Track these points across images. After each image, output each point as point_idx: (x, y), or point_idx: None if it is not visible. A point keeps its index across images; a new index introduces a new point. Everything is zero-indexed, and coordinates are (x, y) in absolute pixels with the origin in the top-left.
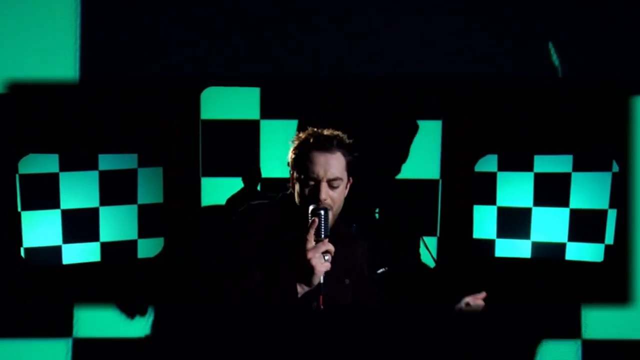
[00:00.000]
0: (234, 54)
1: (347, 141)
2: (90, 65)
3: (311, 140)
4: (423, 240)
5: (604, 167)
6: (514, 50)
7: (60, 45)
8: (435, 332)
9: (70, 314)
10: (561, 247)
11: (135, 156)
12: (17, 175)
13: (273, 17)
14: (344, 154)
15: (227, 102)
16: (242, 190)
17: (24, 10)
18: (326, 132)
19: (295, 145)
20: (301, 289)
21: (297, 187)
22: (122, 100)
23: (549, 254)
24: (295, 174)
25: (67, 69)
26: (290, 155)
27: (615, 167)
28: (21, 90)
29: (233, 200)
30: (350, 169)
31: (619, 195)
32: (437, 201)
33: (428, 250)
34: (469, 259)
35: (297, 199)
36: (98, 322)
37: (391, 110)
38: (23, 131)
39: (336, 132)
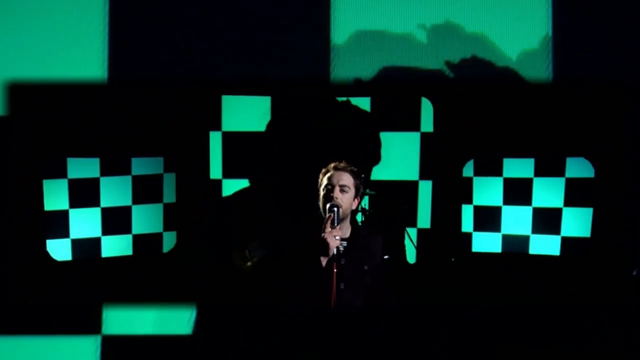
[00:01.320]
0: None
1: (357, 170)
2: (120, 66)
3: (332, 165)
4: (407, 232)
5: (559, 172)
6: (505, 52)
7: (89, 46)
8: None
9: (99, 311)
10: (525, 239)
11: (161, 159)
12: (66, 180)
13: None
14: (352, 177)
15: (242, 110)
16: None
17: (51, 8)
18: (343, 163)
19: (324, 171)
20: (323, 259)
21: (321, 194)
22: (145, 102)
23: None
24: (321, 186)
25: (95, 69)
26: (320, 177)
27: (574, 172)
28: (43, 91)
29: (235, 197)
30: (357, 190)
31: (619, 195)
32: (416, 200)
33: (411, 240)
34: (455, 252)
35: (320, 203)
36: (127, 319)
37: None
38: (45, 131)
39: (350, 166)
